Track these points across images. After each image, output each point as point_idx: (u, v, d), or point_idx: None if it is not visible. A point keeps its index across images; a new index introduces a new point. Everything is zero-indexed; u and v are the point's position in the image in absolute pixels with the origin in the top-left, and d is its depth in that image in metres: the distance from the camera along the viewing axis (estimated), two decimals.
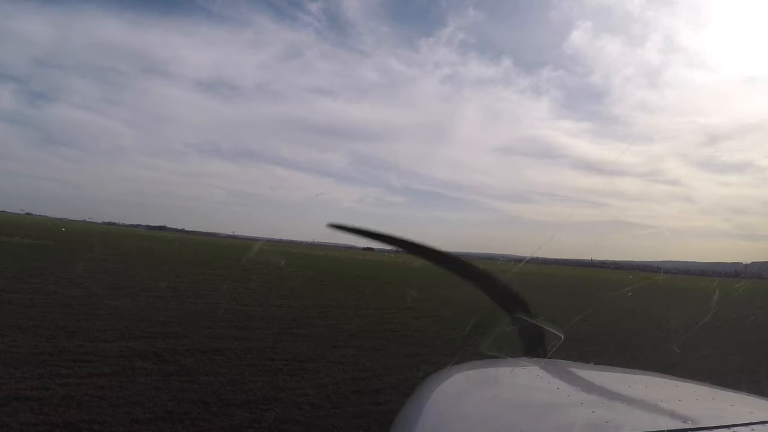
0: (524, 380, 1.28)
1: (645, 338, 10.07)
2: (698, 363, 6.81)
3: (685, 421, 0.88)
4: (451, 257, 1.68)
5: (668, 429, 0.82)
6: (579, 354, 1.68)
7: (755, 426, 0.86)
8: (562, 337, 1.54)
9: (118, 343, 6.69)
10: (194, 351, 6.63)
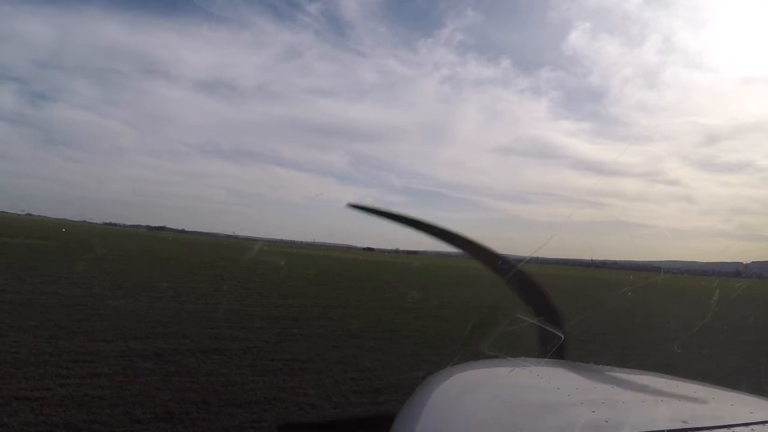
0: (524, 380, 1.28)
1: (645, 338, 10.06)
2: (698, 363, 6.79)
3: (685, 421, 0.88)
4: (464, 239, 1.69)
5: (668, 429, 0.83)
6: (579, 354, 1.68)
7: (755, 426, 0.86)
8: (563, 337, 1.54)
9: (118, 343, 6.70)
10: (195, 351, 6.63)
